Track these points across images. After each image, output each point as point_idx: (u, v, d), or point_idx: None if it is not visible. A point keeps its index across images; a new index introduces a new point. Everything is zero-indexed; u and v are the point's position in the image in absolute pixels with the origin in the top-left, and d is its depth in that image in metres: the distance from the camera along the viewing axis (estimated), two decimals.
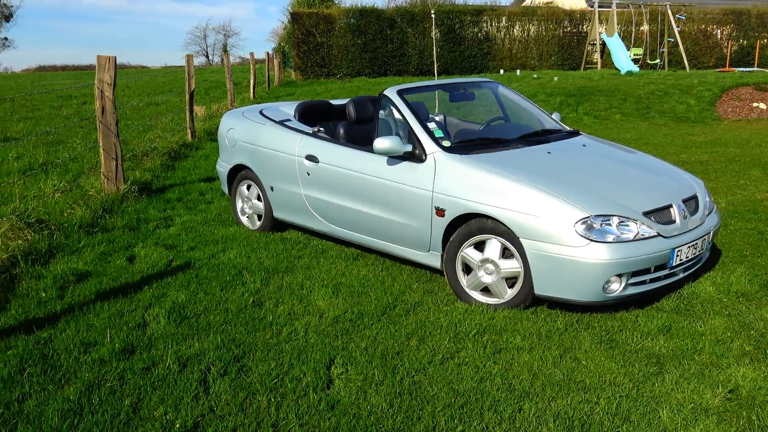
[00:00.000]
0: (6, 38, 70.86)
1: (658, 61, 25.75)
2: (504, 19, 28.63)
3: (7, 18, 68.95)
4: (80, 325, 3.97)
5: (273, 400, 3.14)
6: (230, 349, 3.64)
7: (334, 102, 6.37)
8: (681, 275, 4.26)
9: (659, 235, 3.98)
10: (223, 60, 16.68)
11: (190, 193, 7.61)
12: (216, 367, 3.43)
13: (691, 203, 4.41)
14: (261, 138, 5.80)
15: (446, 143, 4.61)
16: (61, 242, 5.52)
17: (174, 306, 4.23)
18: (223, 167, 6.35)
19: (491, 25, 28.58)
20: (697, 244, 4.21)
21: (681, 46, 25.03)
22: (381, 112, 5.02)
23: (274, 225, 5.94)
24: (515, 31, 28.78)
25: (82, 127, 13.06)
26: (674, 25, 24.84)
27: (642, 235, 3.91)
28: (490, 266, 4.17)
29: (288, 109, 6.20)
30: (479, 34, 28.38)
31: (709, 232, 4.38)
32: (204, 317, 4.10)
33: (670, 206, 4.19)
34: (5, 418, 3.00)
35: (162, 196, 7.39)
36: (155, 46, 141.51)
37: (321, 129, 5.54)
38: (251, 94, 19.02)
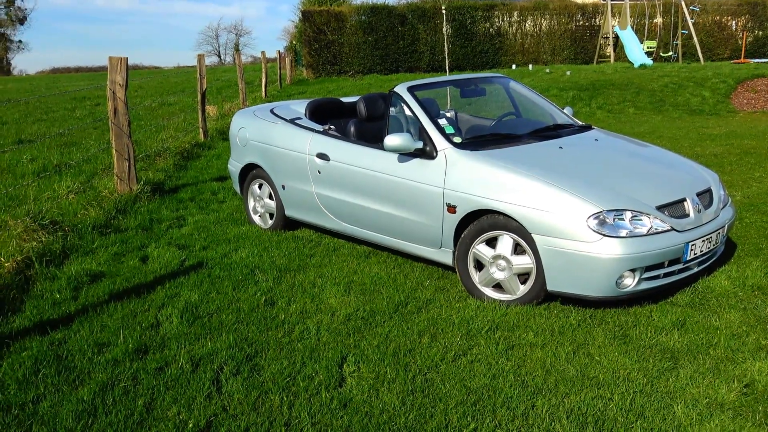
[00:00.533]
0: (20, 41, 71.52)
1: (671, 53, 25.54)
2: (516, 13, 28.53)
3: (21, 21, 69.57)
4: (94, 325, 3.99)
5: (285, 398, 3.14)
6: (243, 349, 3.65)
7: (344, 100, 6.36)
8: (695, 269, 4.22)
9: (673, 229, 3.95)
10: (234, 59, 16.72)
11: (203, 192, 7.64)
12: (228, 367, 3.44)
13: (705, 197, 4.37)
14: (272, 137, 5.80)
15: (457, 139, 4.59)
16: (75, 243, 5.56)
17: (187, 306, 4.25)
18: (234, 166, 6.37)
19: (503, 20, 28.49)
20: (711, 237, 4.17)
21: (695, 38, 24.78)
22: (392, 109, 5.00)
23: (285, 223, 5.94)
24: (527, 25, 28.68)
25: (96, 128, 13.15)
26: (688, 17, 24.61)
27: (655, 229, 3.88)
28: (502, 262, 4.15)
29: (299, 107, 6.20)
30: (491, 30, 28.30)
31: (724, 226, 4.33)
32: (216, 317, 4.11)
33: (684, 200, 4.15)
34: (20, 419, 3.02)
35: (174, 196, 7.42)
36: (168, 46, 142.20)
37: (332, 127, 5.54)
38: (263, 93, 19.06)
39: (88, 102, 19.34)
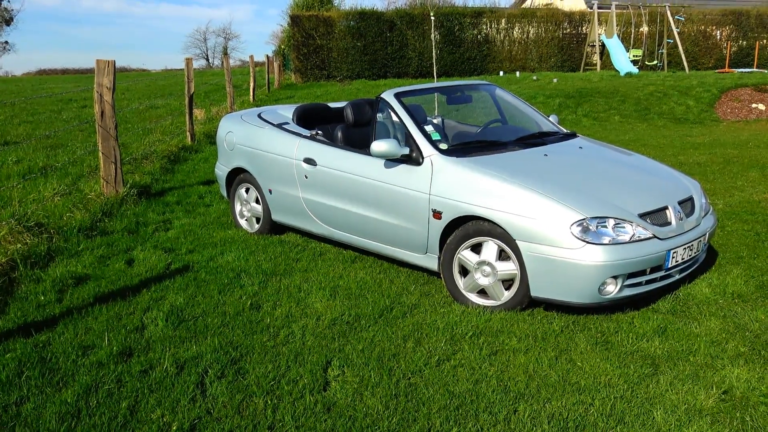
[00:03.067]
0: (7, 42, 70.83)
1: (657, 62, 25.78)
2: (503, 20, 28.66)
3: (8, 22, 68.94)
4: (78, 328, 3.99)
5: (269, 402, 3.16)
6: (227, 352, 3.66)
7: (332, 105, 6.39)
8: (677, 277, 4.27)
9: (655, 236, 4.00)
10: (223, 63, 16.72)
11: (189, 196, 7.63)
12: (213, 370, 3.45)
13: (686, 205, 4.43)
14: (259, 141, 5.82)
15: (443, 146, 4.63)
16: (60, 246, 5.54)
17: (172, 309, 4.25)
18: (221, 170, 6.37)
19: (491, 27, 28.61)
20: (692, 245, 4.23)
21: (680, 47, 25.05)
22: (378, 115, 5.04)
23: (272, 228, 5.95)
24: (515, 32, 28.81)
25: (82, 131, 13.09)
26: (673, 26, 24.86)
27: (638, 236, 3.93)
28: (487, 268, 4.18)
29: (286, 112, 6.22)
30: (479, 36, 28.41)
31: (705, 234, 4.39)
32: (202, 320, 4.11)
33: (666, 208, 4.20)
34: (3, 421, 3.02)
35: (161, 200, 7.41)
36: (156, 48, 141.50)
37: (319, 132, 5.56)
38: (251, 97, 19.05)
39: (74, 104, 19.25)
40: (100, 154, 6.97)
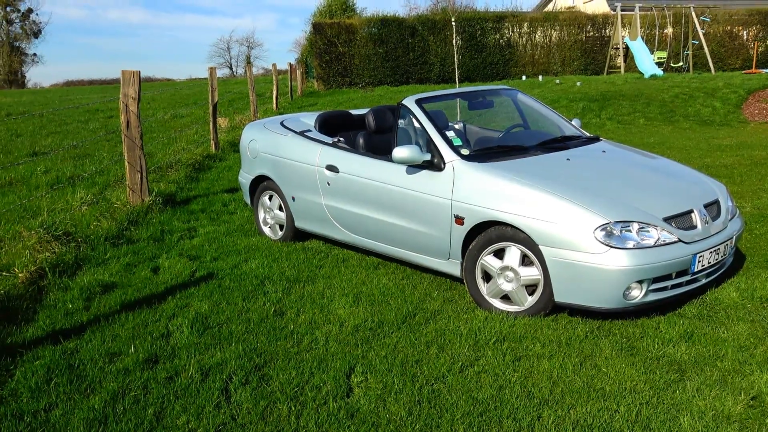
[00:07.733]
0: (35, 54, 72.26)
1: (682, 63, 25.51)
2: (526, 24, 28.57)
3: (36, 35, 70.24)
4: (105, 335, 4.04)
5: (293, 408, 3.17)
6: (252, 359, 3.68)
7: (354, 112, 6.42)
8: (703, 281, 4.22)
9: (680, 240, 3.95)
10: (246, 71, 16.85)
11: (214, 204, 7.70)
12: (237, 376, 3.47)
13: (712, 208, 4.37)
14: (282, 149, 5.86)
15: (465, 151, 4.63)
16: (88, 254, 5.62)
17: (197, 316, 4.29)
18: (245, 178, 6.43)
19: (513, 31, 28.53)
20: (719, 249, 4.17)
21: (706, 48, 24.76)
22: (400, 121, 5.05)
23: (295, 235, 5.99)
24: (537, 36, 28.70)
25: (109, 141, 13.27)
26: (698, 27, 24.59)
27: (663, 241, 3.89)
28: (510, 274, 4.17)
29: (308, 119, 6.25)
30: (501, 41, 28.35)
31: (732, 237, 4.33)
32: (226, 327, 4.15)
33: (691, 211, 4.16)
34: (32, 427, 3.07)
35: (186, 208, 7.48)
36: (180, 58, 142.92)
37: (341, 139, 5.59)
38: (274, 105, 19.17)
39: (101, 114, 19.52)
40: (126, 163, 7.06)
